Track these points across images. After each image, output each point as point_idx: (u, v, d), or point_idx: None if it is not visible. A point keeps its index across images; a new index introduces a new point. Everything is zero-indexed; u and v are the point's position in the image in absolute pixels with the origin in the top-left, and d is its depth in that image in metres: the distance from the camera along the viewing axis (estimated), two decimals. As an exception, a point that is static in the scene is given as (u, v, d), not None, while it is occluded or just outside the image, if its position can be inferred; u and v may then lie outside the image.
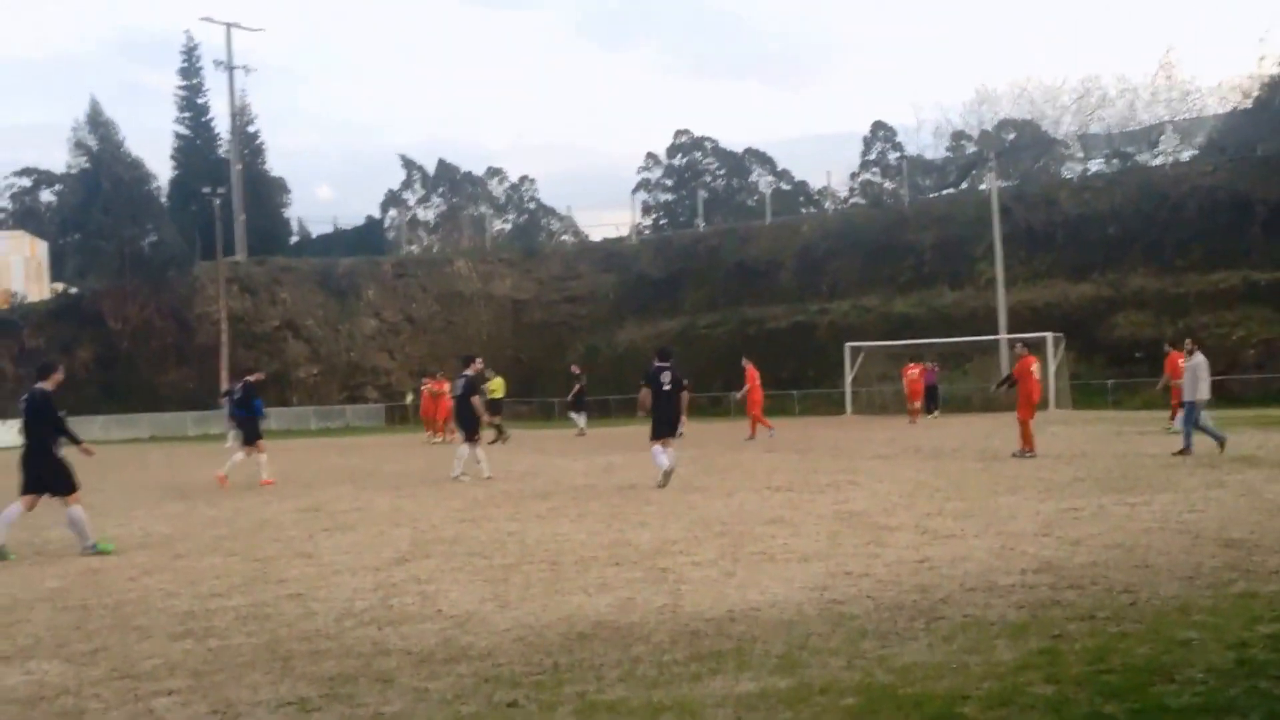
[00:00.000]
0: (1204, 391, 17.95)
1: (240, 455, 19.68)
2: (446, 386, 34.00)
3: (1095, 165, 56.07)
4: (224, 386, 43.20)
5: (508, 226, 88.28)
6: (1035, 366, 19.38)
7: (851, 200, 72.69)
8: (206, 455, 30.83)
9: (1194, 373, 17.94)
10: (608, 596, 7.97)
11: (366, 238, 67.63)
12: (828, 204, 70.34)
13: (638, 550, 10.05)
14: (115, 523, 14.12)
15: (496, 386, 31.78)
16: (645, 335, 50.26)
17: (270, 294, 57.04)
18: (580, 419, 34.20)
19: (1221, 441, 17.47)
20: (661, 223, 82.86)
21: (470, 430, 18.72)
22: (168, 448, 38.66)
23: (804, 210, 73.86)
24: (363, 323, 57.63)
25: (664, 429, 15.93)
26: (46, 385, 11.50)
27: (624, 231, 68.57)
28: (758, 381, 28.17)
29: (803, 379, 45.96)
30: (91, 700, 5.77)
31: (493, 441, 29.89)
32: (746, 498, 14.19)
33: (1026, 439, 18.68)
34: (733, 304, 52.31)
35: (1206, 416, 18.13)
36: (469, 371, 19.12)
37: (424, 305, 59.05)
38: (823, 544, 9.99)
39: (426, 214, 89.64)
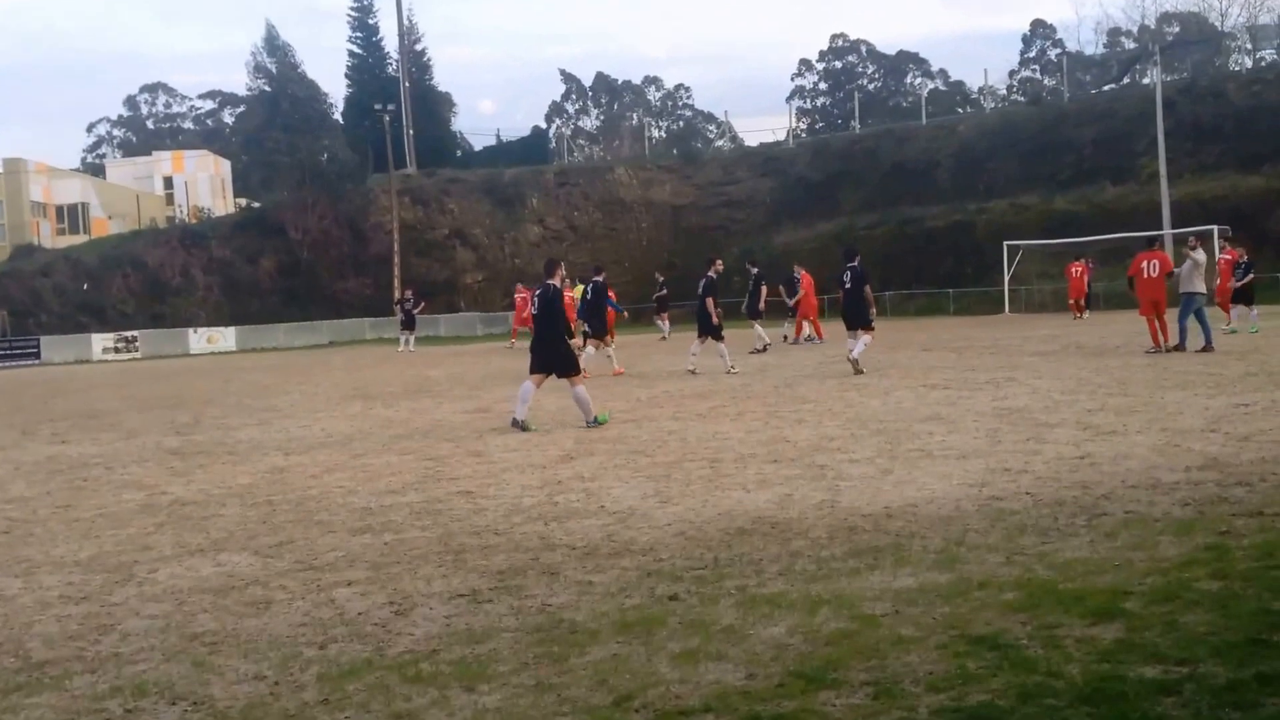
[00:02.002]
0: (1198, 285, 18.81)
1: (591, 349, 20.27)
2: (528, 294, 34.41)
3: (1268, 56, 52.97)
4: (397, 294, 44.81)
5: (664, 135, 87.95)
6: (1145, 264, 19.00)
7: (1010, 99, 70.04)
8: (382, 358, 32.15)
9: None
10: (767, 493, 8.03)
11: (530, 149, 68.35)
12: (986, 103, 67.78)
13: (795, 448, 10.10)
14: (299, 424, 14.85)
15: None
16: (803, 238, 49.77)
17: (439, 204, 58.49)
18: (664, 325, 34.82)
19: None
20: (818, 126, 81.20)
21: (710, 329, 19.29)
22: (346, 351, 40.23)
23: (961, 110, 71.50)
24: (527, 230, 58.60)
25: (851, 321, 17.82)
26: (554, 281, 12.88)
27: (780, 136, 67.46)
28: (812, 288, 28.42)
29: (960, 278, 45.43)
30: (278, 590, 6.05)
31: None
32: (903, 395, 14.04)
33: (1152, 334, 18.81)
34: (890, 204, 51.49)
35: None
36: (711, 273, 19.62)
37: (586, 213, 59.64)
38: (981, 441, 9.85)
39: (586, 124, 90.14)
